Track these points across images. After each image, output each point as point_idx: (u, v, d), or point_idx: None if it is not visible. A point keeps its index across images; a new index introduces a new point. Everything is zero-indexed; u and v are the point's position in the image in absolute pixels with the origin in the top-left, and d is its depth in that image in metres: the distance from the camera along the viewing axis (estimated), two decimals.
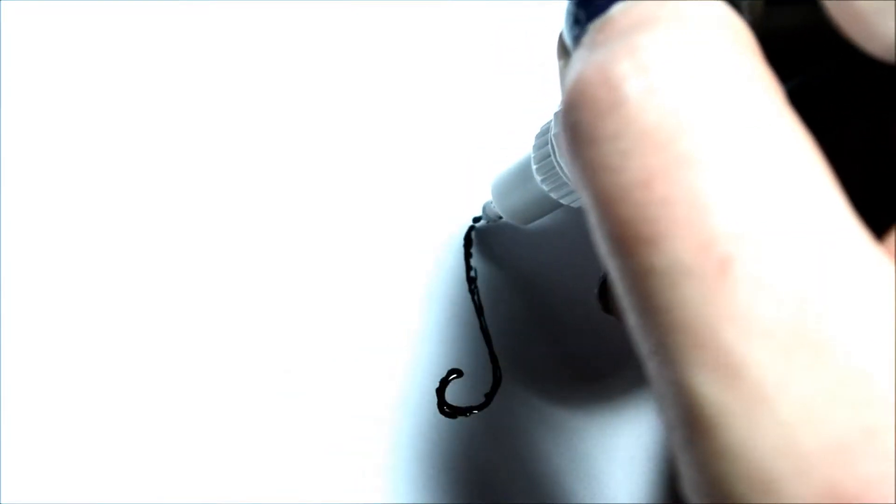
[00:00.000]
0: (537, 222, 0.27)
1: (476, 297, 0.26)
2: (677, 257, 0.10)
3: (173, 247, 0.26)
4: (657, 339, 0.11)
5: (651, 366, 0.11)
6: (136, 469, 0.24)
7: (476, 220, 0.27)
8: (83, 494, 0.24)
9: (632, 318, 0.11)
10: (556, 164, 0.20)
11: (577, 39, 0.13)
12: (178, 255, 0.26)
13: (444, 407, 0.25)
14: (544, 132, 0.21)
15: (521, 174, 0.22)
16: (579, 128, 0.12)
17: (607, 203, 0.11)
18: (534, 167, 0.21)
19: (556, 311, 0.26)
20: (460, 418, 0.25)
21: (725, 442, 0.10)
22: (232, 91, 0.28)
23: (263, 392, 0.25)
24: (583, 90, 0.11)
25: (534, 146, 0.21)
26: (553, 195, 0.21)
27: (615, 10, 0.12)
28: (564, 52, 0.14)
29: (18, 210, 0.26)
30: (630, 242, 0.11)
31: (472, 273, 0.26)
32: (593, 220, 0.12)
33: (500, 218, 0.25)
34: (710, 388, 0.10)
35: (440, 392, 0.25)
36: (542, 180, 0.21)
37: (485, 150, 0.27)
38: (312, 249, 0.26)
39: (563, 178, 0.20)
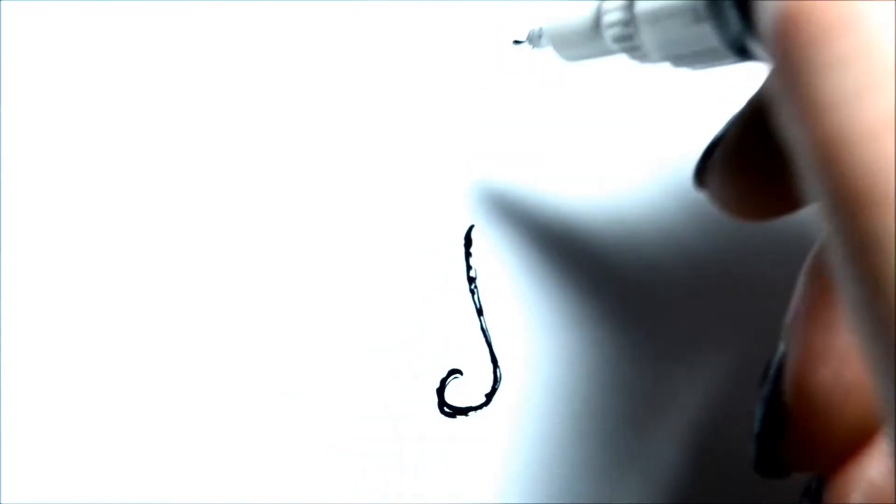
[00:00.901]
0: (539, 224, 0.27)
1: (476, 297, 0.26)
2: None
3: (172, 246, 0.26)
4: (887, 326, 0.09)
5: (871, 353, 0.09)
6: (136, 469, 0.24)
7: (516, 42, 0.25)
8: (83, 494, 0.24)
9: (852, 292, 0.09)
10: (635, 36, 0.18)
11: None
12: (176, 255, 0.26)
13: (444, 407, 0.25)
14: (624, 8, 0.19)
15: (589, 26, 0.21)
16: (798, 52, 0.09)
17: (832, 150, 0.09)
18: (607, 31, 0.19)
19: (557, 310, 0.26)
20: (460, 418, 0.25)
21: None
22: (231, 92, 0.28)
23: (263, 392, 0.25)
24: (803, 3, 0.09)
25: (605, 10, 0.19)
26: (626, 54, 0.20)
27: None
28: None
29: (18, 210, 0.26)
30: (859, 203, 0.09)
31: (472, 273, 0.26)
32: (808, 165, 0.10)
33: (544, 47, 0.23)
34: None
35: (440, 392, 0.25)
36: (615, 41, 0.19)
37: (485, 150, 0.27)
38: (311, 249, 0.26)
39: (638, 42, 0.18)
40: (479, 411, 0.25)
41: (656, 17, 0.18)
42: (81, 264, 0.26)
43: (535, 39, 0.24)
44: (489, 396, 0.25)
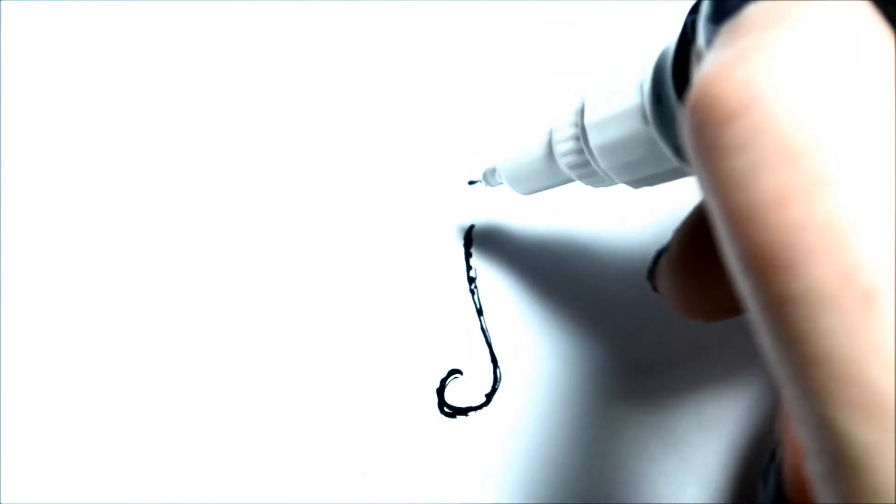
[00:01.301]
0: (538, 221, 0.27)
1: (476, 297, 0.26)
2: (816, 286, 0.10)
3: (172, 247, 0.26)
4: (796, 370, 0.10)
5: (788, 393, 0.10)
6: (137, 469, 0.24)
7: (471, 182, 0.26)
8: (83, 494, 0.24)
9: (766, 344, 0.11)
10: (586, 152, 0.19)
11: (710, 42, 0.12)
12: (177, 256, 0.26)
13: (444, 407, 0.25)
14: (574, 115, 0.19)
15: (542, 156, 0.21)
16: (703, 136, 0.11)
17: (737, 222, 0.10)
18: (560, 158, 0.20)
19: (557, 310, 0.26)
20: (460, 418, 0.25)
21: (874, 481, 0.09)
22: (232, 92, 0.28)
23: (263, 392, 0.25)
24: (706, 92, 0.11)
25: (556, 128, 0.20)
26: (580, 181, 0.20)
27: (751, 8, 0.11)
28: (698, 58, 0.13)
29: (18, 210, 0.26)
30: (763, 267, 0.10)
31: (472, 273, 0.26)
32: (721, 234, 0.11)
33: (500, 184, 0.24)
34: (856, 428, 0.09)
35: (440, 392, 0.25)
36: (568, 166, 0.20)
37: (485, 150, 0.27)
38: (312, 249, 0.26)
39: (594, 166, 0.19)
40: (479, 411, 0.25)
41: (605, 123, 0.18)
42: (81, 265, 0.26)
43: (489, 178, 0.25)
44: (489, 396, 0.25)
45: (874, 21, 0.10)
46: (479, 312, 0.26)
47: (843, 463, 0.10)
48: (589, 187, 0.21)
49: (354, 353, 0.25)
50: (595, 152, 0.19)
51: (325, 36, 0.28)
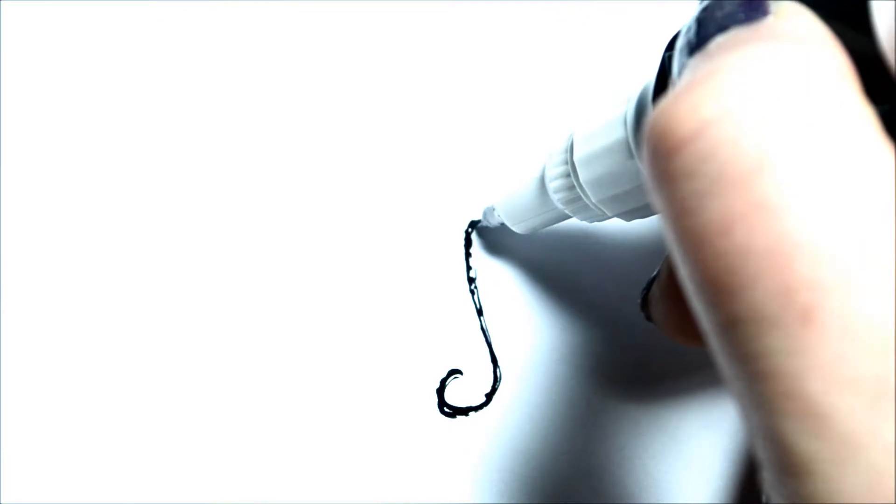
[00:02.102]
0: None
1: (476, 297, 0.26)
2: (759, 308, 0.10)
3: (173, 247, 0.26)
4: (745, 386, 0.10)
5: (740, 407, 0.11)
6: (137, 469, 0.24)
7: (473, 223, 0.27)
8: (83, 494, 0.24)
9: (719, 361, 0.11)
10: (577, 187, 0.20)
11: (681, 74, 0.12)
12: (178, 256, 0.26)
13: (444, 407, 0.25)
14: (564, 153, 0.20)
15: (536, 193, 0.22)
16: (656, 164, 0.11)
17: (687, 248, 0.11)
18: (553, 194, 0.21)
19: (557, 310, 0.26)
20: (460, 418, 0.25)
21: (816, 487, 0.10)
22: (234, 93, 0.28)
23: (264, 392, 0.25)
24: (658, 121, 0.11)
25: (548, 166, 0.21)
26: (575, 216, 0.21)
27: (717, 39, 0.12)
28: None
29: (18, 210, 0.26)
30: (712, 290, 0.10)
31: (472, 273, 0.26)
32: (675, 258, 0.11)
33: (502, 224, 0.25)
34: (800, 437, 0.10)
35: (440, 392, 0.25)
36: (561, 202, 0.21)
37: (486, 150, 0.27)
38: (313, 249, 0.26)
39: (585, 200, 0.20)
40: (479, 411, 0.25)
41: (593, 158, 0.19)
42: (81, 265, 0.26)
43: (489, 216, 0.25)
44: (489, 396, 0.25)
45: (827, 46, 0.11)
46: (479, 312, 0.26)
47: (788, 471, 0.10)
48: (584, 222, 0.22)
49: (355, 352, 0.25)
50: (585, 187, 0.19)
51: (331, 39, 0.28)
